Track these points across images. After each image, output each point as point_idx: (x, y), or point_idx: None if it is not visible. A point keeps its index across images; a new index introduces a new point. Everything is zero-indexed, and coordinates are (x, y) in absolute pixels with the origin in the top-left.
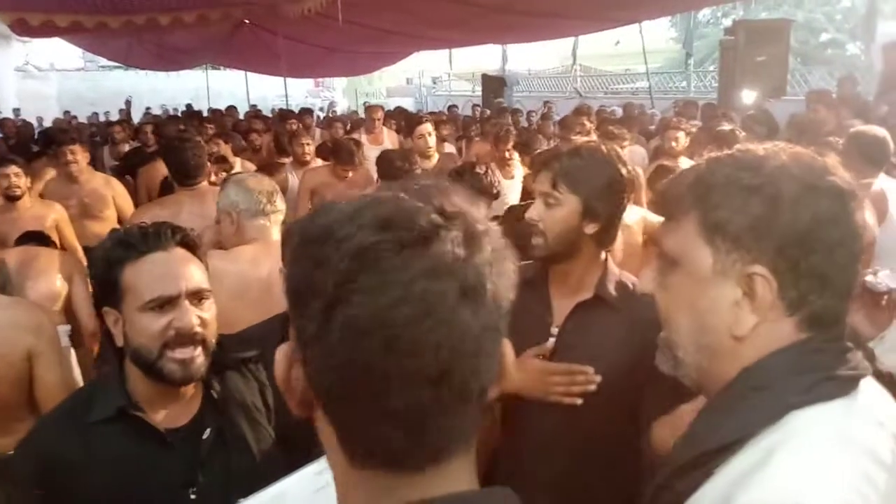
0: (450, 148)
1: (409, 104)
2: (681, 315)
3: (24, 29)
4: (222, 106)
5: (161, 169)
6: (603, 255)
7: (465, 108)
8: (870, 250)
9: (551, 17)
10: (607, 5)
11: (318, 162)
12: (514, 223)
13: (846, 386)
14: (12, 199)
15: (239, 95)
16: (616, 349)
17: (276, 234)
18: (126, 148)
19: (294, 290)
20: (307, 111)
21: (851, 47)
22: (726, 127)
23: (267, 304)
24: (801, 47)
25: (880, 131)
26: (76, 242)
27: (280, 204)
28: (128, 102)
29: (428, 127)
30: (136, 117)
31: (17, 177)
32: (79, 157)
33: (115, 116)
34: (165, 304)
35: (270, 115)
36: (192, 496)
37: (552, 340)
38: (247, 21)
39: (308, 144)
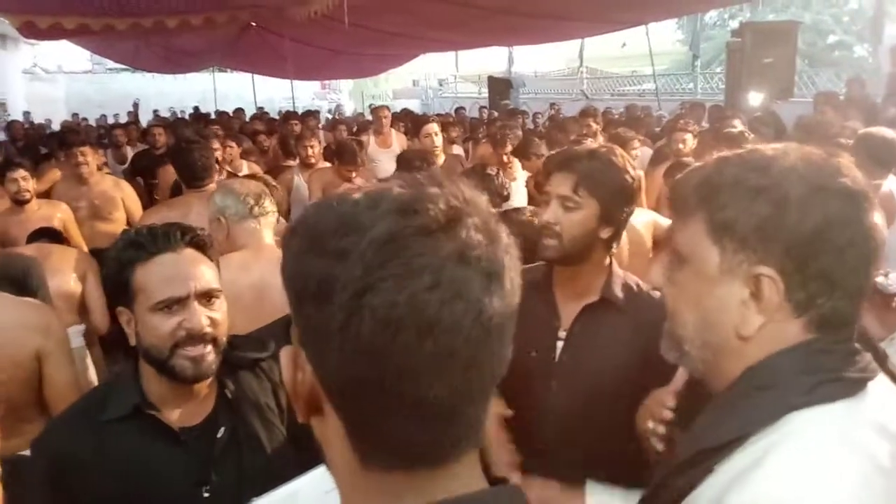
0: (458, 150)
1: (415, 106)
2: (687, 311)
3: (33, 31)
4: (229, 108)
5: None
6: (608, 257)
7: (471, 111)
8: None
9: (557, 19)
10: (614, 7)
11: (325, 164)
12: (516, 225)
13: (851, 388)
14: (21, 202)
15: (246, 98)
16: (624, 351)
17: (267, 237)
18: (129, 151)
19: (307, 287)
20: (310, 113)
21: (859, 49)
22: (738, 127)
23: (258, 310)
24: (808, 49)
25: (889, 133)
26: (83, 242)
27: (269, 206)
28: (135, 105)
29: (434, 127)
30: (144, 120)
31: (24, 181)
32: (89, 158)
33: (123, 119)
34: (175, 304)
35: (277, 118)
36: (206, 494)
37: (560, 344)
38: (253, 24)
39: (313, 147)
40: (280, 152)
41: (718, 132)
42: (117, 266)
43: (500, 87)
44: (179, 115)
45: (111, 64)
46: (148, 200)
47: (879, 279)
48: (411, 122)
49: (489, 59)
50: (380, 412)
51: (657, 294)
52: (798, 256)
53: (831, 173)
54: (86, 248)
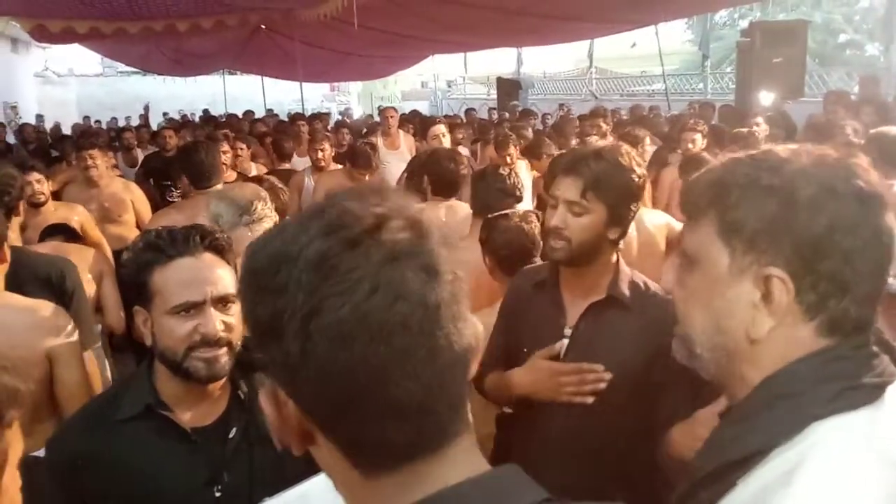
0: (464, 151)
1: (424, 108)
2: (698, 313)
3: (44, 35)
4: (239, 111)
5: None
6: (615, 255)
7: (480, 112)
8: None
9: (567, 20)
10: (624, 8)
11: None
12: (502, 232)
13: (871, 394)
14: (37, 205)
15: (256, 100)
16: (630, 348)
17: None
18: (139, 153)
19: (261, 327)
20: (317, 116)
21: (870, 48)
22: (762, 126)
23: None
24: (818, 48)
25: None
26: (103, 239)
27: (264, 211)
28: (146, 108)
29: (441, 128)
30: (154, 123)
31: (39, 183)
32: (98, 161)
33: (134, 122)
34: (191, 309)
35: (286, 120)
36: (217, 494)
37: (565, 342)
38: (263, 26)
39: (324, 150)
40: (275, 155)
41: (724, 131)
42: (135, 268)
43: (508, 88)
44: (189, 118)
45: (122, 67)
46: (158, 202)
47: (890, 280)
48: (419, 124)
49: (498, 61)
50: (364, 423)
51: (664, 292)
52: (807, 257)
53: (844, 175)
54: (107, 247)
